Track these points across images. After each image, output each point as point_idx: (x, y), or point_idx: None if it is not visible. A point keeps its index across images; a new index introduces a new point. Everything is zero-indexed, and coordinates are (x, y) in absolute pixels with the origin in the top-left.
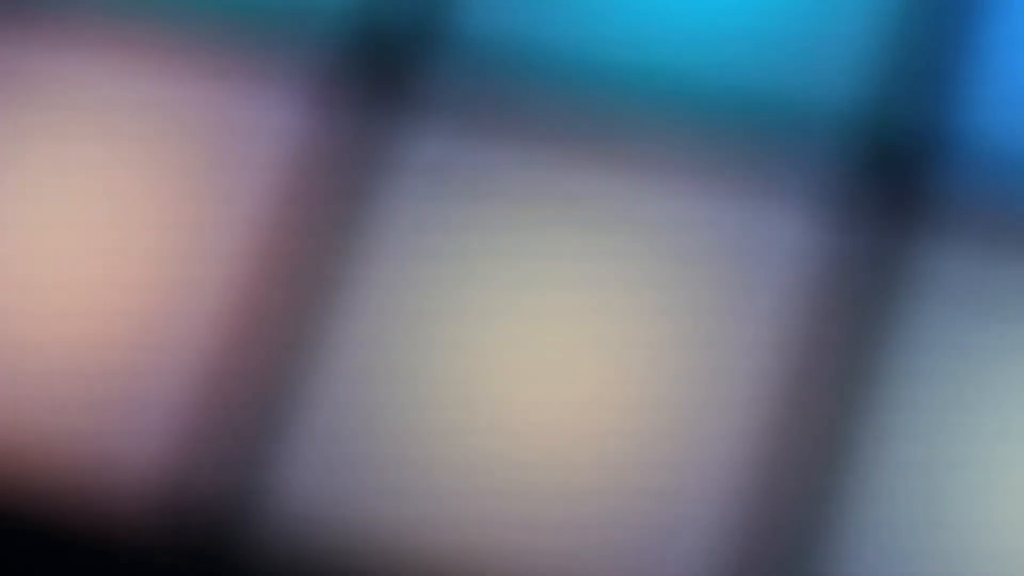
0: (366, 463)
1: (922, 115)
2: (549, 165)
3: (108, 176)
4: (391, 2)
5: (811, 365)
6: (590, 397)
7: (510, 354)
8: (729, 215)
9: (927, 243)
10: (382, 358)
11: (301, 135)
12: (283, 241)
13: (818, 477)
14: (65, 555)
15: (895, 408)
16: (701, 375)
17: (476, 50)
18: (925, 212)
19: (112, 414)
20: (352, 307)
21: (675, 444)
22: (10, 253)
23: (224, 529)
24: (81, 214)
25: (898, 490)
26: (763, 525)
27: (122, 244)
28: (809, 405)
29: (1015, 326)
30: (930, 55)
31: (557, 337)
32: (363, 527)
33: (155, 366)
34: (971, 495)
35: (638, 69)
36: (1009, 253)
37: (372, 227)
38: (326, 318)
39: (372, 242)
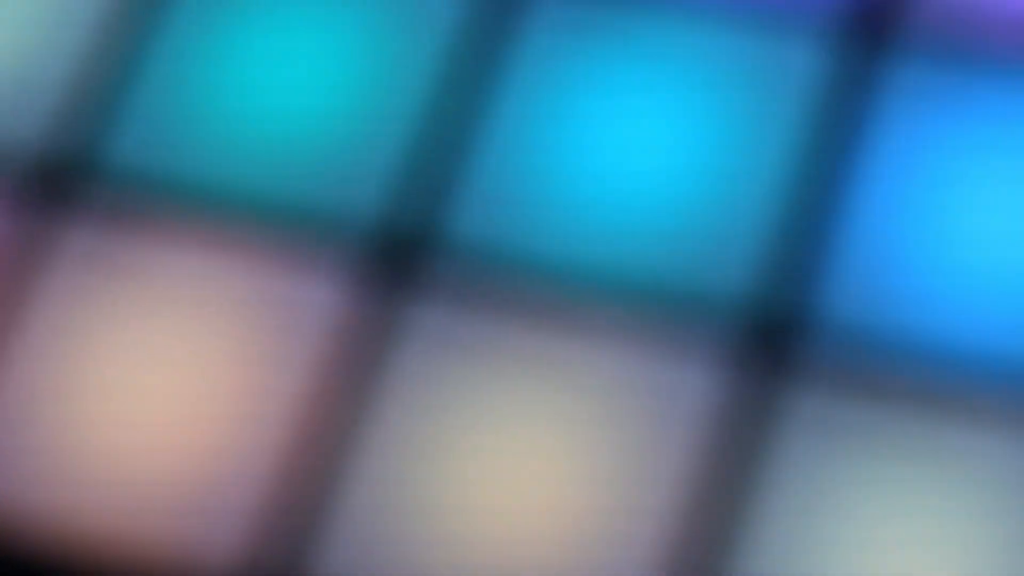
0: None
1: (796, 295)
2: (521, 333)
3: (188, 341)
4: (405, 209)
5: (701, 499)
6: (543, 512)
7: (485, 477)
8: (644, 374)
9: (797, 395)
10: (397, 482)
11: (335, 310)
12: (324, 390)
13: None
14: None
15: (771, 536)
16: (616, 509)
17: (467, 245)
18: (796, 372)
19: (194, 514)
20: (374, 443)
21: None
22: (118, 395)
23: None
24: (169, 369)
25: None
26: None
27: (201, 389)
28: (699, 537)
29: (871, 460)
30: (803, 249)
31: (522, 467)
32: None
33: (229, 476)
34: None
35: (580, 258)
36: (862, 400)
37: (391, 382)
38: (354, 450)
39: (391, 394)
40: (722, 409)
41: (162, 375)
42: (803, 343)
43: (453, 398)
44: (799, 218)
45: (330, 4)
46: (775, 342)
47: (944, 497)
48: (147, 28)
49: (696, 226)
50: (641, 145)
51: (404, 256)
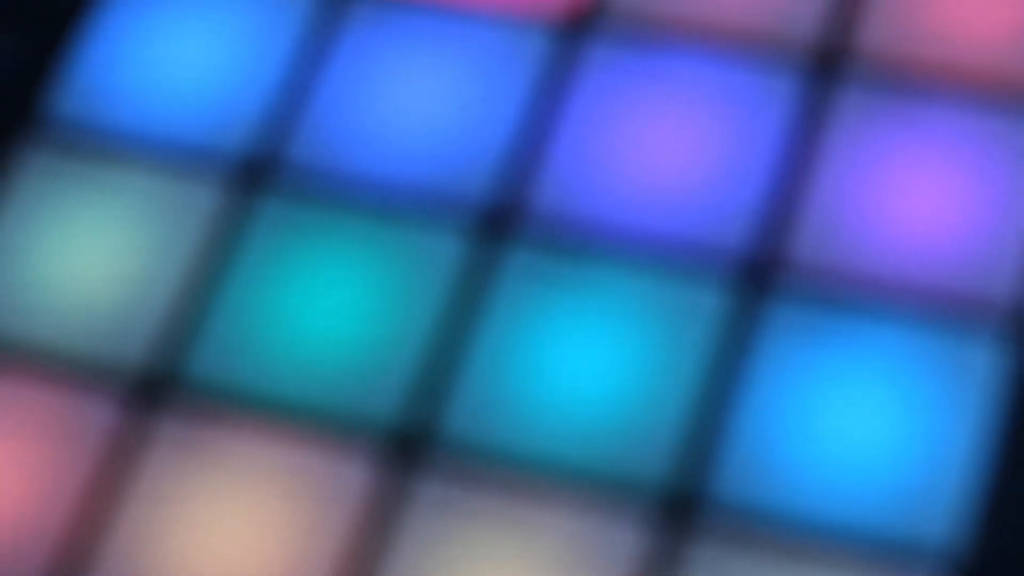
0: None
1: (698, 475)
2: (499, 502)
3: (250, 508)
4: (413, 409)
5: None
6: None
7: None
8: (585, 531)
9: (698, 551)
10: None
11: (361, 486)
12: (351, 547)
13: None
14: None
15: None
16: None
17: (459, 437)
18: (698, 534)
19: None
20: None
21: None
22: (197, 557)
23: None
24: (236, 531)
25: None
26: None
27: (257, 547)
28: None
29: None
30: (703, 440)
31: None
32: None
33: None
34: None
35: (541, 446)
36: (753, 555)
37: (404, 540)
38: None
39: (403, 549)
40: (637, 559)
41: (231, 535)
42: (704, 512)
43: (450, 551)
44: (701, 418)
45: (354, 256)
46: (681, 510)
47: None
48: (222, 266)
49: (624, 423)
50: (583, 363)
51: (413, 445)
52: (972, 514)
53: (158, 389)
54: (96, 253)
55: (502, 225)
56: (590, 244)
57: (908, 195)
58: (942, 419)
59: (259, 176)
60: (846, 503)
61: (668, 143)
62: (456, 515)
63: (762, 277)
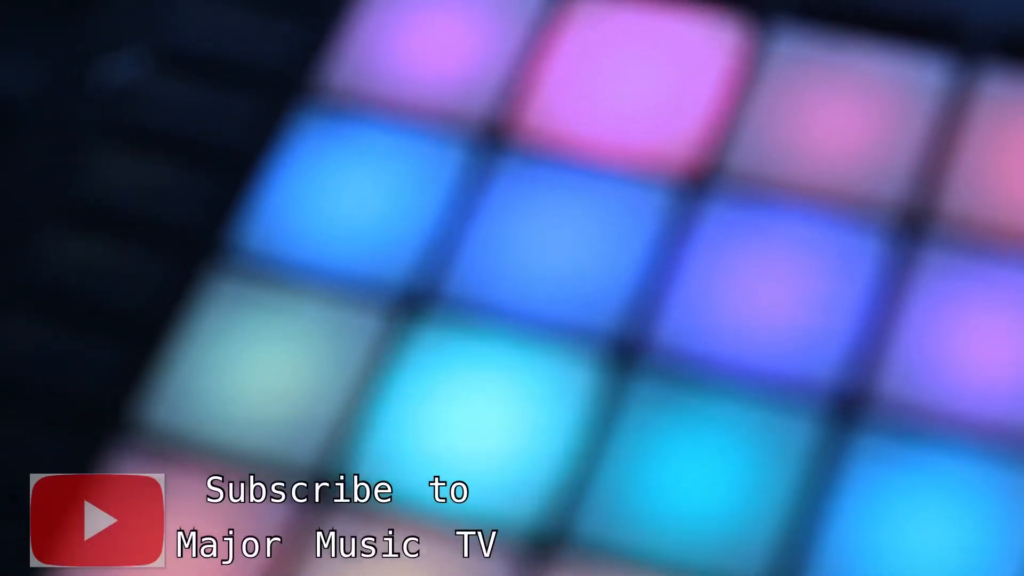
0: None
1: None
2: None
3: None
4: (554, 515)
5: None
6: None
7: None
8: None
9: None
10: None
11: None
12: None
13: None
14: None
15: None
16: None
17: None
18: None
19: None
20: None
21: None
22: None
23: None
24: None
25: None
26: None
27: None
28: None
29: None
30: (794, 559)
31: None
32: None
33: None
34: None
35: (659, 547)
36: None
37: None
38: None
39: None
40: None
41: None
42: None
43: None
44: (792, 530)
45: (497, 379)
46: None
47: None
48: (381, 383)
49: (727, 533)
50: (695, 480)
51: (549, 545)
52: None
53: (324, 490)
54: (272, 369)
55: (630, 357)
56: (704, 377)
57: (981, 342)
58: (1004, 544)
59: (415, 306)
60: None
61: (772, 291)
62: None
63: (850, 410)
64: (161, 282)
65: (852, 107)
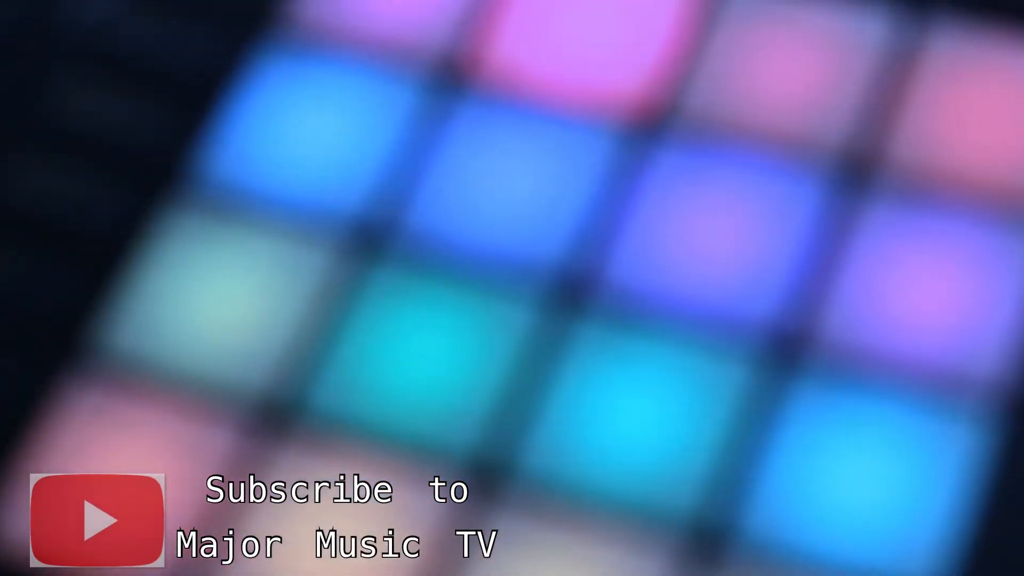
0: None
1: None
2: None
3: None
4: (489, 441)
5: None
6: None
7: None
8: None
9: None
10: None
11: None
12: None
13: None
14: None
15: None
16: None
17: (531, 472)
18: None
19: None
20: None
21: None
22: None
23: None
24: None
25: None
26: None
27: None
28: None
29: None
30: (730, 480)
31: None
32: None
33: None
34: None
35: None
36: None
37: None
38: None
39: None
40: None
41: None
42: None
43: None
44: (727, 466)
45: (444, 315)
46: (710, 545)
47: None
48: (337, 316)
49: (663, 472)
50: (632, 420)
51: (489, 481)
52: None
53: (277, 415)
54: (227, 300)
55: (574, 295)
56: (646, 316)
57: (920, 287)
58: (932, 482)
59: (367, 242)
60: (849, 546)
61: (717, 233)
62: (522, 544)
63: (788, 352)
64: (122, 210)
65: (802, 55)
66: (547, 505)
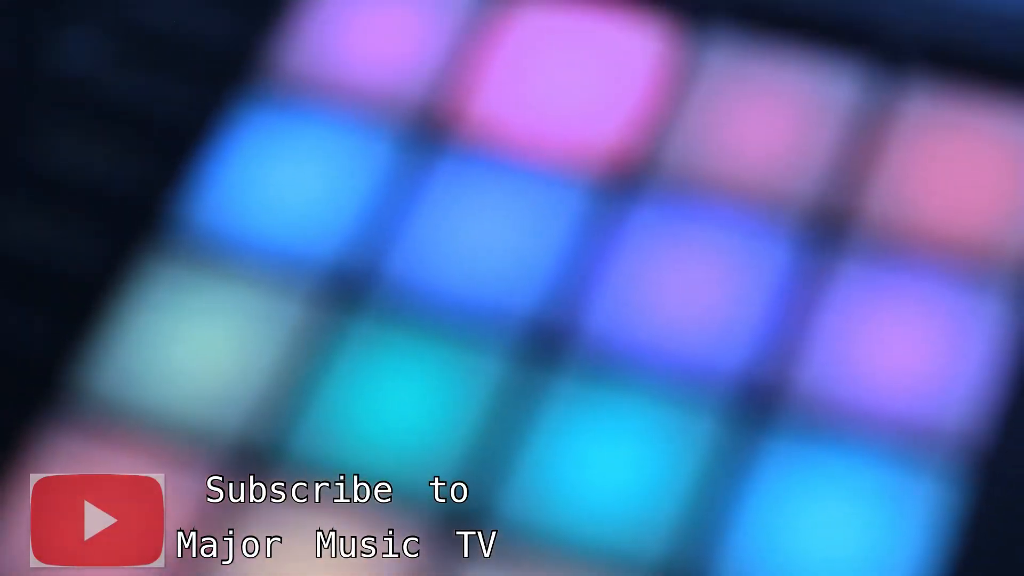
0: None
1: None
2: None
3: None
4: (471, 488)
5: None
6: None
7: None
8: None
9: None
10: None
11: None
12: None
13: None
14: None
15: None
16: None
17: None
18: None
19: None
20: None
21: None
22: None
23: None
24: None
25: None
26: None
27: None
28: None
29: None
30: (701, 540)
31: None
32: None
33: None
34: None
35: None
36: None
37: None
38: None
39: None
40: None
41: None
42: None
43: None
44: (695, 529)
45: (417, 366)
46: None
47: None
48: (313, 363)
49: (631, 524)
50: (602, 473)
51: (463, 525)
52: None
53: (252, 461)
54: (203, 346)
55: (547, 347)
56: (617, 369)
57: (890, 343)
58: (900, 535)
59: (341, 292)
60: None
61: (690, 287)
62: None
63: (758, 406)
64: (102, 256)
65: (776, 112)
66: (521, 552)
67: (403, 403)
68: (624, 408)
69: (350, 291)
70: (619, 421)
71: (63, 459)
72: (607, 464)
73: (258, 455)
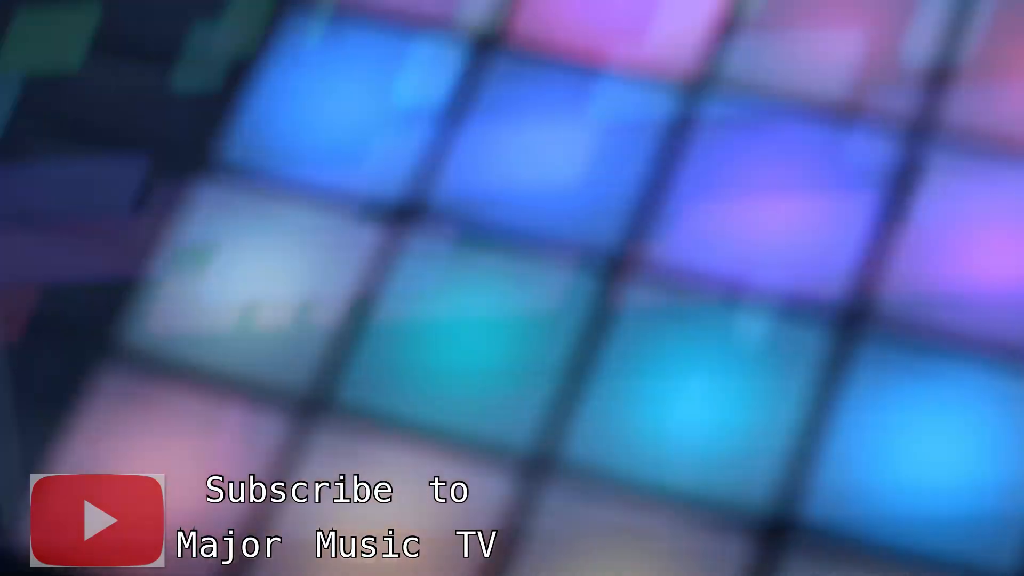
0: None
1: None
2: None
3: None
4: (557, 434)
5: None
6: None
7: None
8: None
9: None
10: None
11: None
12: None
13: None
14: None
15: None
16: None
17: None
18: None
19: None
20: None
21: None
22: None
23: None
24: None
25: None
26: None
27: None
28: None
29: None
30: (801, 468)
31: None
32: None
33: None
34: None
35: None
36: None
37: None
38: None
39: None
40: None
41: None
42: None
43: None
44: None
45: (492, 296)
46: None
47: None
48: (377, 293)
49: (737, 449)
50: (698, 399)
51: (543, 473)
52: None
53: (316, 406)
54: (264, 281)
55: (622, 270)
56: (704, 290)
57: (985, 256)
58: (1010, 450)
59: (408, 215)
60: (924, 526)
61: (775, 205)
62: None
63: (855, 323)
64: (151, 195)
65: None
66: (601, 492)
67: (476, 337)
68: (715, 331)
69: (414, 215)
70: (711, 344)
71: (115, 402)
72: (700, 392)
73: (319, 397)
